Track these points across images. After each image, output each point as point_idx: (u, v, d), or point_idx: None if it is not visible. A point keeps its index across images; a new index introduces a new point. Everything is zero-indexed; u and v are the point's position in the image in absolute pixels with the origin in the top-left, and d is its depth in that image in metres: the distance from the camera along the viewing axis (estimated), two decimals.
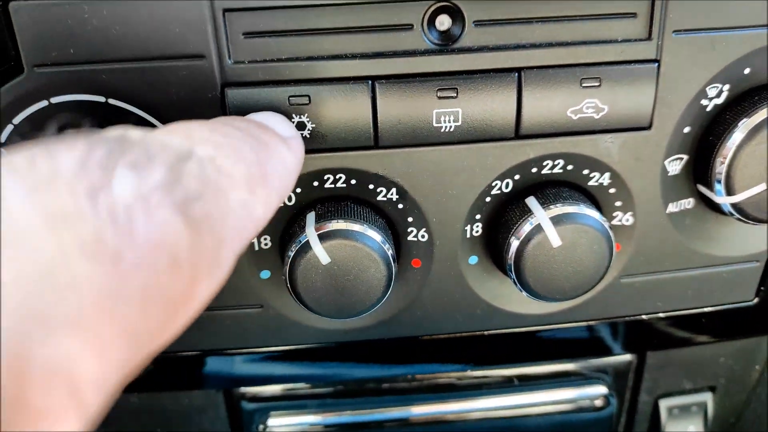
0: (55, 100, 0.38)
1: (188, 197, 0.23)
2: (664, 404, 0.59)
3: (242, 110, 0.38)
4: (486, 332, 0.50)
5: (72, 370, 0.18)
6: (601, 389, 0.58)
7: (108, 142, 0.22)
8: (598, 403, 0.58)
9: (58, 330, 0.18)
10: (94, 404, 0.19)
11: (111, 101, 0.38)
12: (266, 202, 0.28)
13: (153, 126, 0.39)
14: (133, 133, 0.24)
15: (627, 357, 0.57)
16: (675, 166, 0.44)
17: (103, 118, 0.39)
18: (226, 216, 0.25)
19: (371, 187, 0.42)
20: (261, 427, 0.56)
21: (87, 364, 0.18)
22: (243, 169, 0.27)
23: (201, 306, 0.24)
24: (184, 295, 0.23)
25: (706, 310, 0.51)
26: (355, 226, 0.40)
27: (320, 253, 0.40)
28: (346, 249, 0.40)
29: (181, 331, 0.24)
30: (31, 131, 0.39)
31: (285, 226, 0.43)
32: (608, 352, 0.54)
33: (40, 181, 0.19)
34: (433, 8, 0.38)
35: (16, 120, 0.39)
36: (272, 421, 0.56)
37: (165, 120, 0.39)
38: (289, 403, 0.57)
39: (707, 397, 0.59)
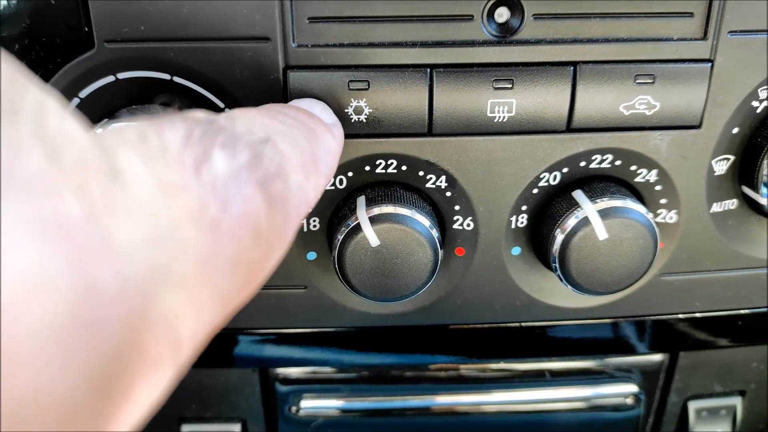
0: (121, 75, 0.40)
1: (267, 177, 0.25)
2: (693, 406, 0.59)
3: (303, 92, 0.39)
4: (523, 324, 0.51)
5: (177, 325, 0.20)
6: (632, 388, 0.58)
7: (202, 123, 0.24)
8: (629, 401, 0.58)
9: (171, 288, 0.19)
10: (186, 357, 0.21)
11: (176, 79, 0.40)
12: (316, 185, 0.31)
13: (215, 105, 0.40)
14: (218, 117, 0.26)
15: (658, 357, 0.58)
16: (721, 166, 0.44)
17: (166, 94, 0.40)
18: (290, 196, 0.27)
19: (421, 173, 0.43)
20: (294, 408, 0.57)
21: (187, 320, 0.20)
22: (299, 154, 0.29)
23: (267, 276, 0.26)
24: (260, 265, 0.25)
25: (742, 312, 0.51)
26: (405, 211, 0.41)
27: (370, 235, 0.41)
28: (395, 232, 0.41)
29: (249, 298, 0.25)
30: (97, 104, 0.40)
31: (334, 208, 0.44)
32: (641, 350, 0.55)
33: (152, 155, 0.21)
34: (493, 0, 0.39)
35: (83, 93, 0.40)
36: (305, 403, 0.57)
37: (227, 99, 0.40)
38: (322, 386, 0.58)
39: (737, 401, 0.60)
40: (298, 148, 0.29)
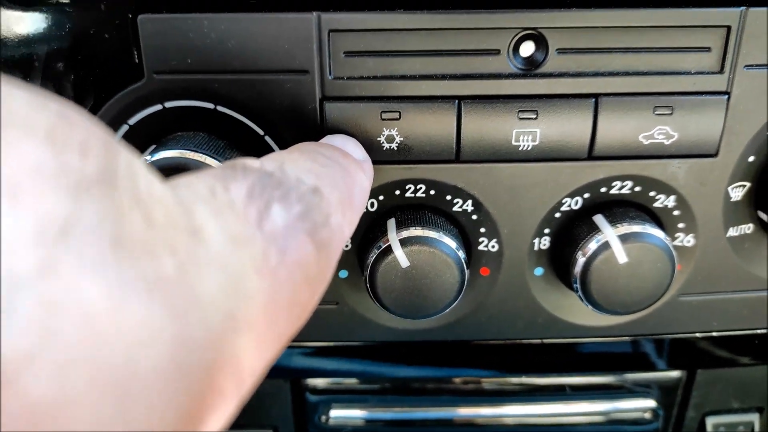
0: (168, 104, 0.42)
1: (316, 226, 0.28)
2: (710, 422, 0.61)
3: (338, 122, 0.42)
4: (544, 340, 0.53)
5: (243, 364, 0.22)
6: (650, 403, 0.60)
7: (261, 177, 0.27)
8: (647, 416, 0.60)
9: (241, 332, 0.21)
10: (247, 390, 0.23)
11: (219, 108, 0.42)
12: (351, 222, 0.33)
13: (255, 132, 0.43)
14: (272, 167, 0.28)
15: (676, 373, 0.59)
16: (737, 192, 0.46)
17: (210, 122, 0.43)
18: (333, 239, 0.29)
19: (449, 198, 0.45)
20: (324, 417, 0.60)
21: (251, 359, 0.22)
22: (337, 195, 0.31)
23: (313, 311, 0.29)
24: (308, 303, 0.27)
25: (759, 332, 0.53)
26: (433, 234, 0.43)
27: (401, 256, 0.43)
28: (424, 254, 0.43)
29: (298, 332, 0.28)
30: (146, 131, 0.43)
31: (365, 230, 0.47)
32: (660, 367, 0.56)
33: (221, 209, 0.23)
34: (519, 35, 0.41)
35: (132, 121, 0.43)
36: (334, 413, 0.60)
37: (267, 127, 0.43)
38: (350, 396, 0.60)
39: (754, 418, 0.61)
40: (337, 189, 0.31)
